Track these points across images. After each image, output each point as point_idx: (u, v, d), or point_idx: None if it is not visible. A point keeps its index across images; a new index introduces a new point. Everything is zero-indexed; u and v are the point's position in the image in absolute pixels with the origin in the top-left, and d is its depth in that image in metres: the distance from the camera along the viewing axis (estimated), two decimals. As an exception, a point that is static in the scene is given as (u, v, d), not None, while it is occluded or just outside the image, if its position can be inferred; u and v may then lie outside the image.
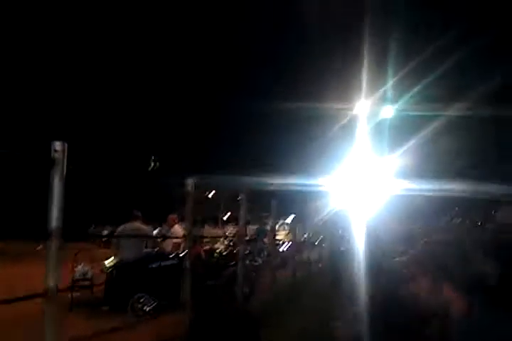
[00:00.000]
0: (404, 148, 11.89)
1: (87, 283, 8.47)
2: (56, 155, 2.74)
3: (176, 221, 9.27)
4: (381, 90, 12.32)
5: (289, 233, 26.34)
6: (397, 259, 2.05)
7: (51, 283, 2.71)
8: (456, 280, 1.75)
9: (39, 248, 18.93)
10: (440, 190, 11.47)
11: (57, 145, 2.74)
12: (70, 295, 7.61)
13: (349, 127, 12.73)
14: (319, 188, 13.05)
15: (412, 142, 11.64)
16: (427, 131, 11.25)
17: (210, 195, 37.23)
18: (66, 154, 2.77)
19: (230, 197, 41.45)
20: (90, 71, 29.57)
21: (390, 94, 12.44)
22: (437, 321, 2.31)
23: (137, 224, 8.14)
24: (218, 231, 29.59)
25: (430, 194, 11.71)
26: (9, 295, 3.20)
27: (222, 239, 11.56)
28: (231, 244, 12.83)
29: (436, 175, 12.04)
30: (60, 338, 2.70)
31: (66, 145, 2.76)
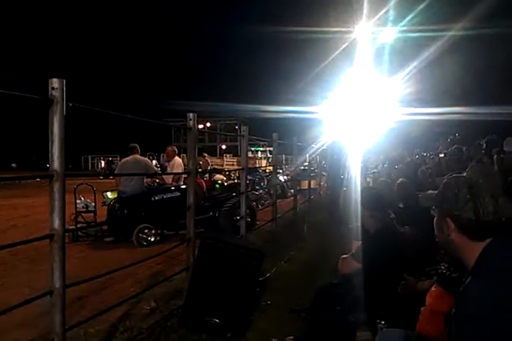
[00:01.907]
0: (406, 72, 11.57)
1: (89, 215, 8.56)
2: (54, 93, 2.56)
3: (176, 152, 9.18)
4: (382, 11, 11.71)
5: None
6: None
7: (57, 225, 2.64)
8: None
9: (39, 179, 19.35)
10: (440, 114, 11.36)
11: (55, 82, 2.55)
12: (73, 226, 7.71)
13: (348, 52, 12.25)
14: (317, 116, 12.88)
15: (414, 66, 11.30)
16: (430, 54, 10.86)
17: (208, 125, 36.97)
18: (65, 92, 2.58)
19: (227, 128, 41.41)
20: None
21: (391, 15, 11.85)
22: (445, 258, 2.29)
23: (138, 157, 8.06)
24: (217, 161, 29.60)
25: (431, 118, 11.61)
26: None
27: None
28: (232, 174, 12.88)
29: (439, 99, 11.82)
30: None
31: (64, 82, 2.57)
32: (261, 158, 28.21)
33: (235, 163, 31.13)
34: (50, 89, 2.56)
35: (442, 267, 2.25)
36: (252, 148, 38.88)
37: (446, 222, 1.62)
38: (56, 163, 2.60)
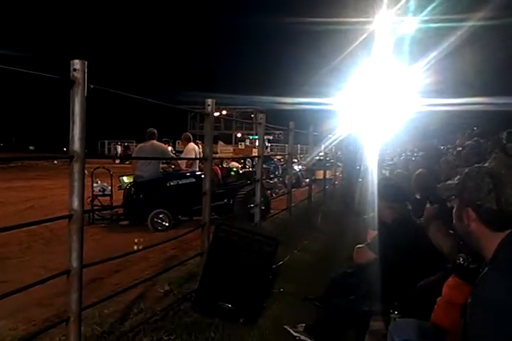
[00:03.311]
0: (425, 62, 11.41)
1: (106, 198, 8.64)
2: (75, 74, 2.56)
3: (190, 139, 9.20)
4: (403, 0, 11.51)
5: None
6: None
7: (76, 205, 2.65)
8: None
9: (55, 162, 19.59)
10: (460, 104, 11.20)
11: (76, 63, 2.55)
12: (90, 208, 7.79)
13: (367, 42, 12.08)
14: (334, 107, 12.79)
15: (433, 56, 11.12)
16: (450, 44, 10.67)
17: (224, 113, 36.71)
18: (86, 73, 2.58)
19: (243, 116, 41.36)
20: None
21: (412, 4, 11.65)
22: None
23: (156, 143, 8.09)
24: (232, 148, 29.51)
25: (451, 109, 11.45)
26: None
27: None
28: (247, 162, 12.89)
29: (459, 90, 11.64)
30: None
31: (86, 63, 2.57)
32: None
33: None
34: (71, 70, 2.55)
35: (460, 258, 2.22)
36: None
37: (466, 212, 1.61)
38: (76, 144, 2.60)
